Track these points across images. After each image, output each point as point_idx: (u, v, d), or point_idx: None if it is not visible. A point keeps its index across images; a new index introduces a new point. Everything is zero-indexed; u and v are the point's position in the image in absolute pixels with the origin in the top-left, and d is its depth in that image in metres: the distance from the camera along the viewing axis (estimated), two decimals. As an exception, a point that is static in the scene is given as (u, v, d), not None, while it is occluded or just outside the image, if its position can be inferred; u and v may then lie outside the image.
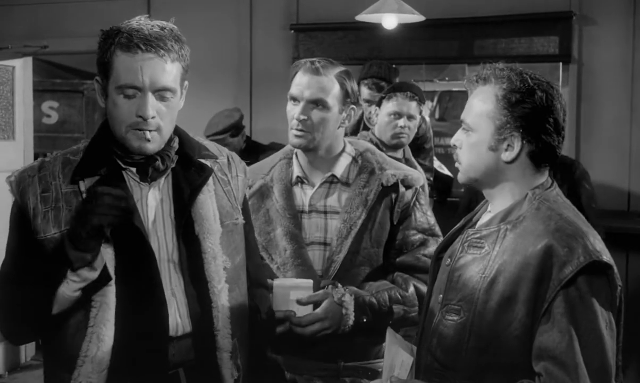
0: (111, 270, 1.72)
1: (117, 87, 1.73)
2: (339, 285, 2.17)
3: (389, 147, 3.41)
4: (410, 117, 3.46)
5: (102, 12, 5.62)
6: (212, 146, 2.00)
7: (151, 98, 1.73)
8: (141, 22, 1.76)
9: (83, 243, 1.64)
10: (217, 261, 1.86)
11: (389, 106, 3.45)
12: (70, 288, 1.68)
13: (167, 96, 1.76)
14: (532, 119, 1.64)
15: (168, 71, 1.74)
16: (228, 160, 2.01)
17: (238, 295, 1.93)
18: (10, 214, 1.82)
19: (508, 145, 1.66)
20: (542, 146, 1.66)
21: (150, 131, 1.75)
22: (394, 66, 4.49)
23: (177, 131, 1.91)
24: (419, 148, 3.96)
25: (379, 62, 4.41)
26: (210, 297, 1.85)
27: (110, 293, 1.72)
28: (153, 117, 1.74)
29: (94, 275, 1.68)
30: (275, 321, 2.11)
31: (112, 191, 1.66)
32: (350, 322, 2.12)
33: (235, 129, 4.61)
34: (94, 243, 1.66)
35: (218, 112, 4.87)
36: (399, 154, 3.49)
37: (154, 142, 1.77)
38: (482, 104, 1.68)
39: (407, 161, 3.48)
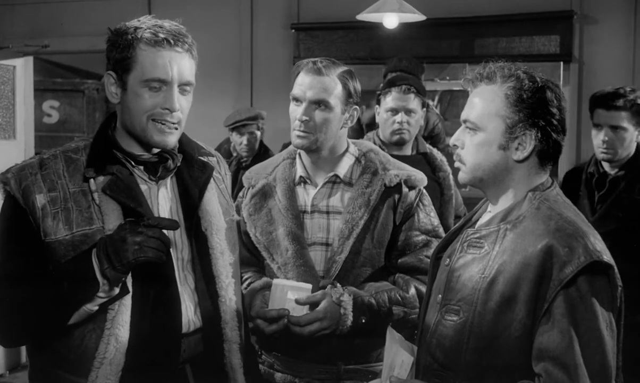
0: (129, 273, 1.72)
1: (144, 80, 1.75)
2: (338, 284, 2.16)
3: (391, 145, 3.30)
4: (408, 111, 3.27)
5: (102, 12, 5.62)
6: (205, 146, 2.03)
7: (177, 91, 1.77)
8: (153, 20, 1.79)
9: (128, 268, 1.65)
10: (224, 256, 1.90)
11: (385, 103, 3.31)
12: (94, 303, 1.68)
13: (188, 90, 1.80)
14: (544, 118, 1.64)
15: (189, 66, 1.79)
16: (217, 159, 2.06)
17: (239, 290, 1.98)
18: (3, 214, 1.76)
19: (519, 144, 1.66)
20: (552, 144, 1.66)
21: (173, 123, 1.77)
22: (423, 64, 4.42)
23: None
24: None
25: (409, 57, 4.36)
26: (219, 292, 1.88)
27: (128, 295, 1.72)
28: (178, 110, 1.77)
29: (117, 290, 1.69)
30: (267, 319, 2.11)
31: (165, 222, 1.68)
32: (349, 322, 2.11)
33: (260, 123, 4.71)
34: (133, 267, 1.67)
35: (238, 108, 5.00)
36: (407, 151, 3.36)
37: (174, 136, 1.80)
38: (489, 103, 1.67)
39: (424, 155, 3.39)
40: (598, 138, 3.18)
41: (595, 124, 3.20)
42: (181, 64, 1.76)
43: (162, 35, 1.74)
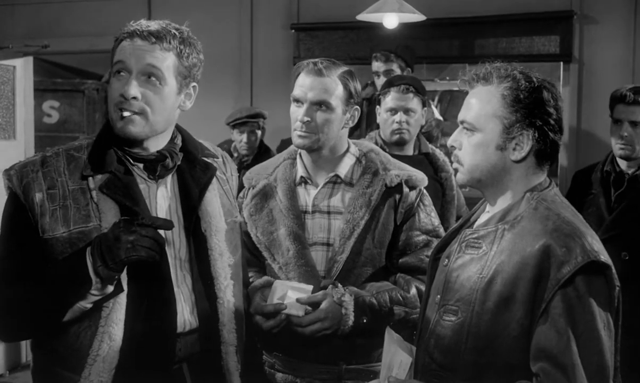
0: (123, 271, 1.72)
1: (112, 67, 1.77)
2: (339, 284, 2.16)
3: (392, 145, 3.32)
4: (407, 111, 3.27)
5: (102, 12, 5.61)
6: (210, 146, 2.03)
7: (135, 80, 1.75)
8: (153, 20, 1.80)
9: (121, 266, 1.65)
10: (223, 258, 1.90)
11: (385, 103, 3.32)
12: (88, 300, 1.69)
13: (154, 81, 1.76)
14: (541, 118, 1.64)
15: (158, 57, 1.76)
16: (223, 160, 2.05)
17: (238, 292, 1.97)
18: (6, 210, 1.77)
19: (517, 144, 1.66)
20: (549, 143, 1.66)
21: (132, 113, 1.75)
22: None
23: (179, 130, 1.93)
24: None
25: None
26: (217, 293, 1.88)
27: (122, 293, 1.73)
28: (135, 98, 1.74)
29: (111, 288, 1.69)
30: (264, 314, 2.12)
31: (159, 221, 1.68)
32: (350, 322, 2.12)
33: (262, 122, 4.76)
34: (126, 265, 1.67)
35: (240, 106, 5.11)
36: (409, 151, 3.37)
37: (137, 126, 1.76)
38: (486, 104, 1.67)
39: (427, 156, 3.40)
40: (617, 134, 3.18)
41: (615, 119, 3.20)
42: (143, 53, 1.75)
43: (134, 28, 1.76)
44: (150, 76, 1.76)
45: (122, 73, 1.76)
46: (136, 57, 1.74)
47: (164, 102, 1.80)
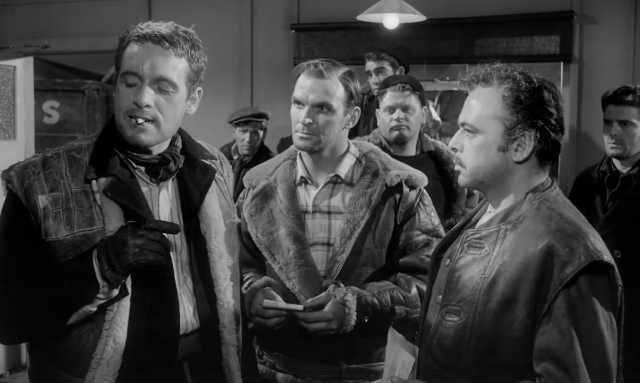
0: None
1: (121, 74, 1.75)
2: (341, 284, 2.16)
3: (394, 144, 3.32)
4: (405, 108, 3.28)
5: (102, 12, 5.61)
6: (208, 147, 2.03)
7: (149, 87, 1.73)
8: (161, 22, 1.78)
9: (128, 270, 1.65)
10: (223, 259, 1.90)
11: (383, 102, 3.34)
12: (93, 304, 1.68)
13: (167, 89, 1.75)
14: (543, 118, 1.64)
15: (171, 64, 1.75)
16: (220, 161, 2.05)
17: (237, 292, 1.97)
18: (5, 212, 1.76)
19: (518, 145, 1.66)
20: (551, 143, 1.66)
21: (145, 120, 1.73)
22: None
23: (179, 132, 1.92)
24: None
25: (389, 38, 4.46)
26: (216, 295, 1.89)
27: (126, 297, 1.72)
28: (148, 106, 1.72)
29: (116, 292, 1.69)
30: (265, 318, 2.12)
31: (166, 225, 1.68)
32: (353, 322, 2.11)
33: (264, 123, 4.80)
34: (133, 269, 1.67)
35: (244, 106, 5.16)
36: (411, 151, 3.37)
37: (149, 134, 1.75)
38: (487, 106, 1.67)
39: (429, 154, 3.39)
40: (607, 133, 3.27)
41: (606, 119, 3.29)
42: (157, 61, 1.72)
43: (145, 32, 1.73)
44: (163, 83, 1.74)
45: (133, 79, 1.73)
46: (150, 64, 1.72)
47: (175, 109, 1.79)
